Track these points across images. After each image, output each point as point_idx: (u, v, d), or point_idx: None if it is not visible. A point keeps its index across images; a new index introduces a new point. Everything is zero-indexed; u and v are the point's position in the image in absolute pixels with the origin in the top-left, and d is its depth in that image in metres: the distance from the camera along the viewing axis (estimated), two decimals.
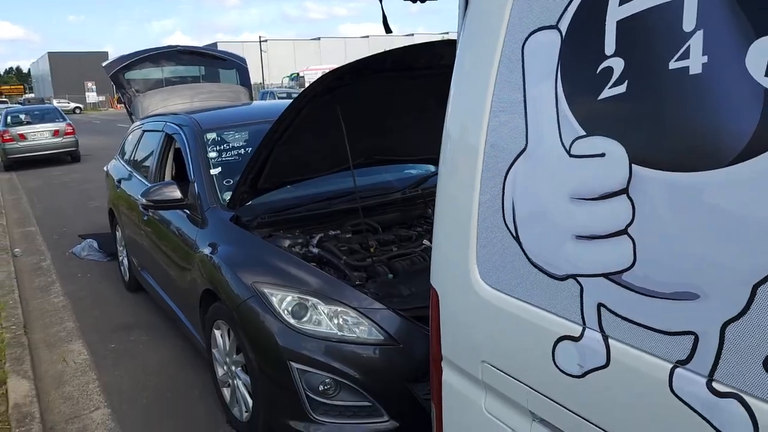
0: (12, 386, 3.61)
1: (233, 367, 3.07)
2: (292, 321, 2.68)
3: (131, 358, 4.09)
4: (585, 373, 1.05)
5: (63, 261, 6.51)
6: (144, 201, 3.70)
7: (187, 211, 3.71)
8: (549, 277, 1.11)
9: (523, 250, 1.17)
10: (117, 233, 5.63)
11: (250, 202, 3.54)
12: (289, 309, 2.72)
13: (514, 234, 1.19)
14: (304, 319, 2.69)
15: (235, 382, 3.07)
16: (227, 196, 3.63)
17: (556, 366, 1.10)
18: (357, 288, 2.81)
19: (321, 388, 2.62)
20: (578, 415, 1.07)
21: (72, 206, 9.49)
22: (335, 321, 2.67)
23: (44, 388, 3.75)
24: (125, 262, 5.36)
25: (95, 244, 6.73)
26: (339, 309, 2.68)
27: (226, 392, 3.22)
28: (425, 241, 3.38)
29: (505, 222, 1.21)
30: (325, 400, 2.63)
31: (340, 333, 2.63)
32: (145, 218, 4.38)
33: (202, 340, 3.49)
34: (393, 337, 2.61)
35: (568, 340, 1.07)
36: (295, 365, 2.63)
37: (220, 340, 3.17)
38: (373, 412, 2.62)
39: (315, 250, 3.21)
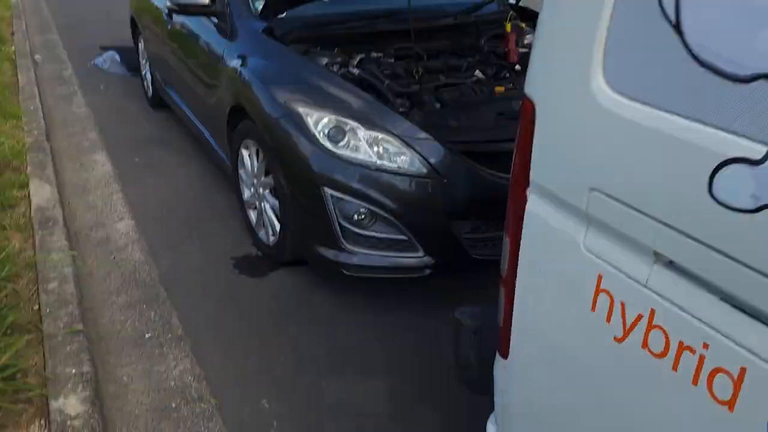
0: (34, 190, 3.52)
1: (261, 190, 2.91)
2: (327, 144, 2.46)
3: (155, 174, 3.96)
4: (760, 207, 0.79)
5: (85, 72, 6.23)
6: (169, 3, 3.35)
7: (215, 20, 3.36)
8: (724, 78, 0.82)
9: (685, 43, 0.85)
10: (139, 45, 5.28)
11: (285, 14, 3.18)
12: (326, 132, 2.48)
13: (674, 20, 0.87)
14: (341, 143, 2.46)
15: (263, 204, 2.92)
16: (260, 5, 3.27)
17: (712, 196, 0.84)
18: (401, 115, 2.54)
19: (355, 217, 2.45)
20: (737, 260, 0.82)
21: (94, 16, 9.00)
22: (375, 148, 2.44)
23: (67, 195, 3.67)
24: (148, 76, 5.07)
25: (117, 58, 6.40)
26: (380, 136, 2.44)
27: (253, 215, 3.10)
28: (477, 72, 3.03)
29: (660, 4, 0.89)
30: (358, 230, 2.48)
31: (379, 161, 2.42)
32: (170, 27, 4.02)
33: (228, 160, 3.31)
34: (437, 170, 2.40)
35: (741, 164, 0.80)
36: (328, 191, 2.45)
37: (247, 160, 2.98)
38: (409, 246, 2.48)
39: (355, 71, 2.89)
